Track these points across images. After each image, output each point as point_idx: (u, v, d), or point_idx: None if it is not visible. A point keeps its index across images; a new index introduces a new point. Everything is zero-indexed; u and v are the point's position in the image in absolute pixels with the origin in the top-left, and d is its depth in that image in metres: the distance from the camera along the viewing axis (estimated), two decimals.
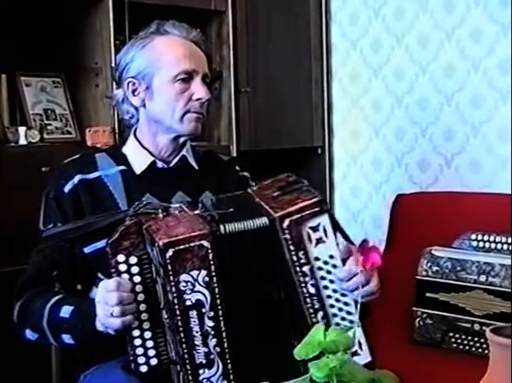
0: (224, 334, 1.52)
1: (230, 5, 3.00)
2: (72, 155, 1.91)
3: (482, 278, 2.43)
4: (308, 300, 1.58)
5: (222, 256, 1.53)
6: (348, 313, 1.60)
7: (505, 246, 2.48)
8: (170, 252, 1.49)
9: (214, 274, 1.51)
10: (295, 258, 1.56)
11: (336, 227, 1.62)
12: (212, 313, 1.51)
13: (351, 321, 1.59)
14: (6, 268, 2.28)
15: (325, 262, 1.58)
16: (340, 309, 1.60)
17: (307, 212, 1.56)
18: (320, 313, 1.57)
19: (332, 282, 1.59)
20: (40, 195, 1.86)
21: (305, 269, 1.57)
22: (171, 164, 1.88)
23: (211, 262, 1.51)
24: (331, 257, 1.58)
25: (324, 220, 1.57)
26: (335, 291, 1.59)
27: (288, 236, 1.55)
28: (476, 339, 2.41)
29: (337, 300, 1.59)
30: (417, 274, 2.54)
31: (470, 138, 3.06)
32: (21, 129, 2.56)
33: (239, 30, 3.05)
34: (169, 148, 1.87)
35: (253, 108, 3.11)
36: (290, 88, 3.26)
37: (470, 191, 2.94)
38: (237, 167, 1.98)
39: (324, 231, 1.57)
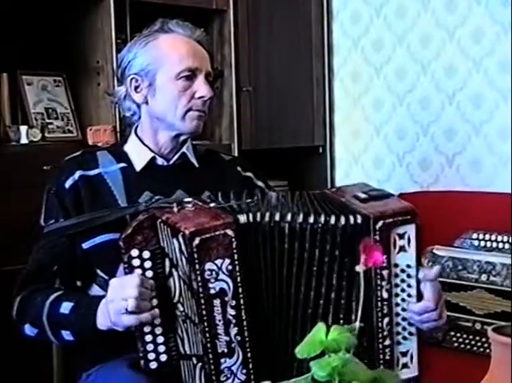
0: (245, 323, 1.52)
1: (232, 4, 3.00)
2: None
3: (484, 277, 2.43)
4: (379, 304, 1.58)
5: (245, 245, 1.53)
6: (410, 324, 1.61)
7: (506, 246, 2.48)
8: (196, 240, 1.48)
9: (237, 262, 1.51)
10: None
11: (418, 240, 1.63)
12: (234, 302, 1.51)
13: (410, 333, 1.61)
14: (7, 267, 2.29)
15: (402, 270, 1.59)
16: (404, 319, 1.61)
17: (399, 218, 1.56)
18: (387, 319, 1.58)
19: (403, 290, 1.60)
20: (41, 194, 1.86)
21: (384, 273, 1.57)
22: (171, 161, 1.88)
23: (234, 251, 1.51)
24: (408, 266, 1.59)
25: (410, 230, 1.58)
26: (403, 300, 1.60)
27: (378, 237, 1.56)
28: (477, 338, 2.41)
29: (403, 309, 1.60)
30: None
31: (472, 137, 3.06)
32: (23, 128, 2.56)
33: (241, 29, 3.05)
34: (169, 145, 1.87)
35: (254, 107, 3.11)
36: (291, 87, 3.26)
37: (471, 190, 2.94)
38: (239, 168, 1.97)
39: (408, 241, 1.58)
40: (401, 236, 1.57)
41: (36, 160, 2.44)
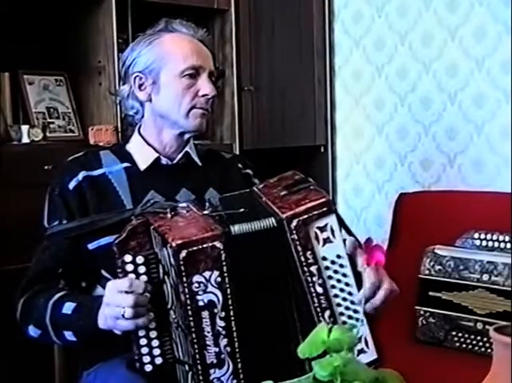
0: (235, 334, 1.52)
1: (233, 4, 3.00)
2: (75, 154, 1.91)
3: (485, 277, 2.42)
4: (315, 299, 1.57)
5: (234, 257, 1.52)
6: (355, 311, 1.60)
7: (508, 245, 2.47)
8: (183, 253, 1.47)
9: (226, 274, 1.50)
10: (303, 258, 1.56)
11: (342, 224, 1.62)
12: (224, 314, 1.51)
13: (357, 319, 1.59)
14: (8, 266, 2.29)
15: (333, 262, 1.58)
16: (347, 308, 1.60)
17: (315, 213, 1.55)
18: (327, 313, 1.57)
19: (339, 281, 1.59)
20: (43, 194, 1.86)
21: (313, 269, 1.56)
22: (175, 161, 1.88)
23: (223, 263, 1.50)
24: (338, 256, 1.58)
25: (331, 220, 1.56)
26: (342, 290, 1.59)
27: (295, 236, 1.55)
28: (479, 338, 2.41)
29: (344, 299, 1.59)
30: (420, 273, 2.54)
31: (473, 137, 3.06)
32: (24, 128, 2.57)
33: (242, 29, 3.05)
34: (174, 144, 1.88)
35: (256, 106, 3.11)
36: (293, 86, 3.26)
37: (472, 189, 2.94)
38: (239, 165, 1.99)
39: (332, 231, 1.56)
40: (322, 229, 1.56)
41: (37, 160, 2.44)
